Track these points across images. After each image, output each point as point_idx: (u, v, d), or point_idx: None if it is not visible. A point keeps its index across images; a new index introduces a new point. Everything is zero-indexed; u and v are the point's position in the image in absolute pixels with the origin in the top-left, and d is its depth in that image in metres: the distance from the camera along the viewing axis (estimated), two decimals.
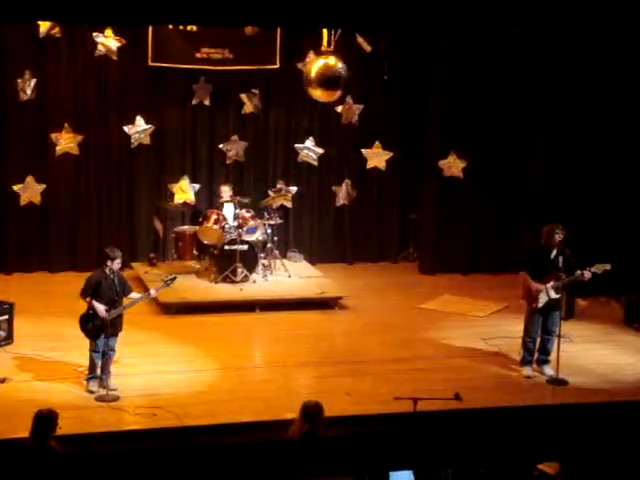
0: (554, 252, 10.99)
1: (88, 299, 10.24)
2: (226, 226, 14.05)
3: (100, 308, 10.17)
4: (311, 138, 15.33)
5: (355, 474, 8.01)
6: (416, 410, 8.25)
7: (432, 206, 15.41)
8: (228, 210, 14.29)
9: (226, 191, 14.45)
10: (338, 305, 13.57)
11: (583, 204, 14.48)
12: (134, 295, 10.60)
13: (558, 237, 10.97)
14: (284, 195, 15.27)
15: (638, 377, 11.21)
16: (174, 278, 10.90)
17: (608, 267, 10.97)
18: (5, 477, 7.59)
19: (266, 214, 14.44)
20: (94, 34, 14.18)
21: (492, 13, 11.62)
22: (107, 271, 10.29)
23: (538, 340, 11.22)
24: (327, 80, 12.89)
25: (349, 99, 15.16)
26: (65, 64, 14.25)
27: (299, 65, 14.68)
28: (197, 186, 15.10)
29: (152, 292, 10.78)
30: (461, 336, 12.40)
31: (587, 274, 10.92)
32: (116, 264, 10.30)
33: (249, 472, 8.21)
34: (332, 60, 12.95)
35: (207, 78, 14.81)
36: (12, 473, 7.56)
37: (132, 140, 14.70)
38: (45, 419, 7.72)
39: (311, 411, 7.97)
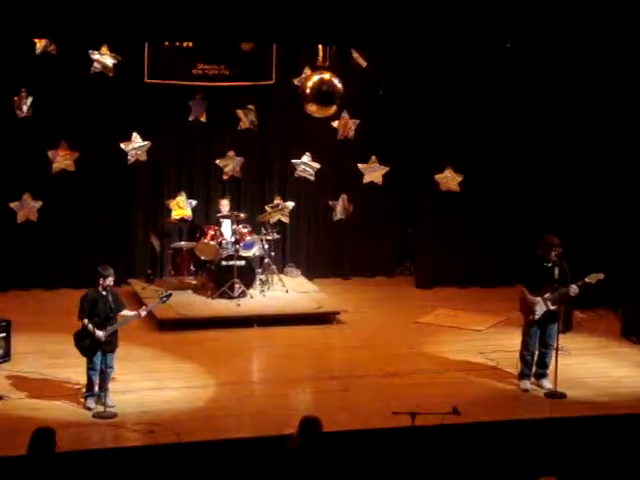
0: (551, 264, 10.99)
1: (85, 322, 10.19)
2: (223, 242, 14.06)
3: (98, 333, 10.12)
4: (308, 153, 15.36)
5: None
6: (414, 425, 8.23)
7: (428, 220, 15.44)
8: (225, 226, 14.30)
9: (225, 205, 14.47)
10: (335, 320, 13.57)
11: (579, 217, 14.51)
12: (127, 313, 10.53)
13: (553, 250, 10.96)
14: (281, 210, 15.30)
15: (636, 390, 11.18)
16: (169, 295, 10.89)
17: (602, 276, 10.96)
18: None
19: (263, 229, 14.45)
20: (90, 51, 14.22)
21: (486, 28, 11.70)
22: (100, 289, 10.27)
23: (536, 353, 11.21)
24: (323, 96, 12.92)
25: (345, 114, 15.20)
26: (61, 81, 14.27)
27: (295, 81, 14.72)
28: (194, 202, 15.11)
29: (142, 312, 10.56)
30: (459, 350, 12.40)
31: (573, 288, 10.90)
32: (108, 281, 10.25)
33: None
34: (328, 76, 12.99)
35: (203, 94, 14.85)
36: None
37: (129, 156, 14.72)
38: (43, 436, 7.69)
39: (310, 426, 7.96)
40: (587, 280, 10.95)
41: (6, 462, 8.30)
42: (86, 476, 8.28)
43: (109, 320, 10.18)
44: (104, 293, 10.24)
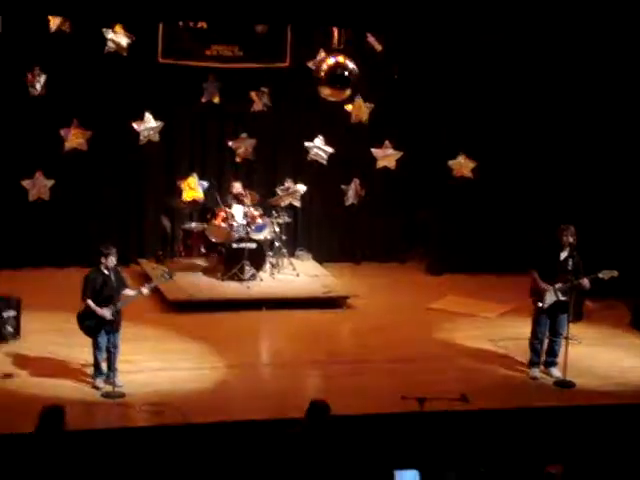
0: (565, 254, 10.96)
1: (89, 302, 10.20)
2: (234, 224, 14.04)
3: (100, 312, 10.13)
4: (320, 137, 15.31)
5: (361, 473, 8.01)
6: (422, 410, 8.22)
7: (441, 206, 15.40)
8: (237, 208, 14.28)
9: (238, 187, 14.44)
10: (345, 304, 13.55)
11: (592, 206, 14.44)
12: (128, 291, 10.53)
13: (566, 239, 10.94)
14: (292, 194, 15.26)
15: None
16: (170, 274, 10.90)
17: (615, 274, 10.95)
18: (11, 470, 7.60)
19: (274, 212, 14.43)
20: (104, 30, 14.18)
21: (503, 12, 11.61)
22: (102, 268, 10.26)
23: (545, 342, 11.18)
24: (337, 79, 12.85)
25: (359, 98, 15.14)
26: (75, 60, 14.23)
27: (309, 63, 14.66)
28: (206, 183, 15.08)
29: (144, 290, 10.56)
30: (469, 337, 12.38)
31: (585, 282, 10.88)
32: (111, 260, 10.25)
33: (254, 469, 8.21)
34: (342, 59, 12.92)
35: (217, 76, 14.81)
36: (18, 466, 7.57)
37: (141, 137, 14.70)
38: (52, 414, 7.71)
39: (318, 410, 7.96)
40: (600, 276, 10.93)
41: (15, 439, 8.32)
42: (93, 455, 8.29)
43: (112, 299, 10.18)
44: (107, 272, 10.24)
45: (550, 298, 10.95)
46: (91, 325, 10.25)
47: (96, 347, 10.30)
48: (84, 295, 10.23)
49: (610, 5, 11.67)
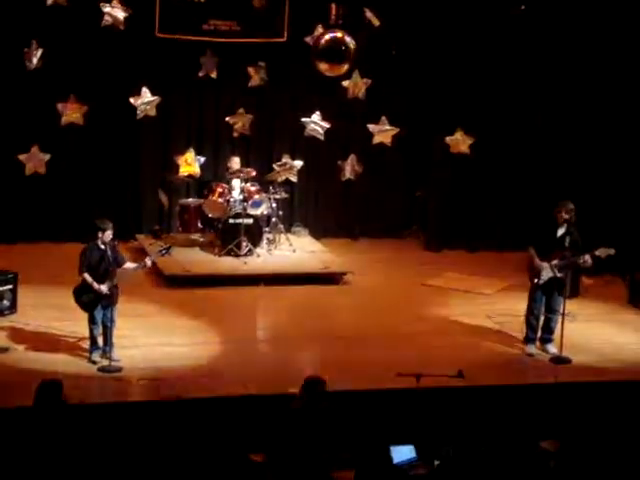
0: (562, 230, 10.95)
1: (86, 276, 10.20)
2: (231, 200, 14.02)
3: (96, 286, 10.13)
4: (318, 112, 15.27)
5: (357, 448, 8.02)
6: (419, 386, 8.23)
7: (438, 183, 15.38)
8: (234, 183, 14.25)
9: (236, 163, 14.41)
10: (342, 280, 13.55)
11: (590, 182, 14.43)
12: (129, 265, 10.55)
13: (561, 215, 10.93)
14: (289, 169, 15.24)
15: None
16: (169, 248, 10.89)
17: (612, 252, 10.93)
18: (8, 444, 7.62)
19: (271, 188, 14.40)
20: (101, 4, 14.11)
21: None
22: (99, 243, 10.25)
23: (541, 318, 11.19)
24: (334, 54, 12.82)
25: (356, 74, 15.08)
26: (72, 34, 14.16)
27: (307, 38, 14.59)
28: (202, 159, 15.05)
29: (147, 262, 10.61)
30: (465, 313, 12.39)
31: (587, 259, 10.86)
32: (107, 235, 10.24)
33: (249, 444, 8.22)
34: (340, 34, 12.88)
35: (214, 50, 14.74)
36: (16, 440, 7.59)
37: (138, 111, 14.65)
38: (50, 388, 7.72)
39: (314, 386, 7.97)
40: (597, 253, 10.92)
41: (11, 413, 8.33)
42: (90, 429, 8.30)
43: (108, 274, 10.18)
44: (103, 247, 10.23)
45: (546, 274, 10.95)
46: (87, 300, 10.25)
47: (92, 321, 10.31)
48: (80, 270, 10.23)
49: None
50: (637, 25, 13.71)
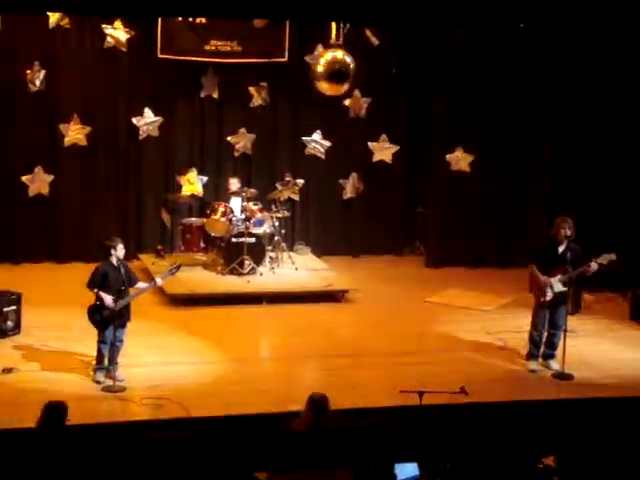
0: (562, 246, 11.00)
1: (95, 290, 10.26)
2: (233, 218, 14.08)
3: (107, 299, 10.18)
4: (319, 131, 15.36)
5: (360, 466, 8.04)
6: (422, 403, 8.26)
7: (439, 200, 15.44)
8: (235, 203, 14.32)
9: (234, 183, 14.48)
10: (344, 298, 13.60)
11: (590, 199, 14.47)
12: (141, 285, 10.62)
13: (564, 232, 10.97)
14: (291, 188, 15.31)
15: None
16: (179, 266, 10.93)
17: (613, 257, 10.94)
18: (12, 465, 7.64)
19: (273, 207, 14.46)
20: (103, 25, 14.22)
21: (500, 7, 11.62)
22: (114, 261, 10.30)
23: (545, 334, 11.22)
24: (335, 74, 12.89)
25: (357, 92, 15.18)
26: (74, 55, 14.28)
27: (307, 58, 14.69)
28: (205, 178, 15.14)
29: (158, 281, 10.72)
30: (467, 330, 12.42)
31: (593, 265, 10.89)
32: (120, 251, 10.28)
33: (254, 463, 8.24)
34: (340, 54, 12.95)
35: (215, 71, 14.84)
36: (20, 462, 7.61)
37: (140, 132, 14.74)
38: (55, 411, 7.74)
39: (317, 403, 7.99)
40: (599, 261, 10.94)
41: (15, 434, 8.36)
42: (93, 449, 8.33)
43: (120, 294, 10.23)
44: (117, 265, 10.28)
45: (551, 291, 10.98)
46: (100, 319, 10.26)
47: (102, 340, 10.32)
48: (90, 284, 10.27)
49: (609, 2, 11.68)
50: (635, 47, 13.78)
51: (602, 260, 10.95)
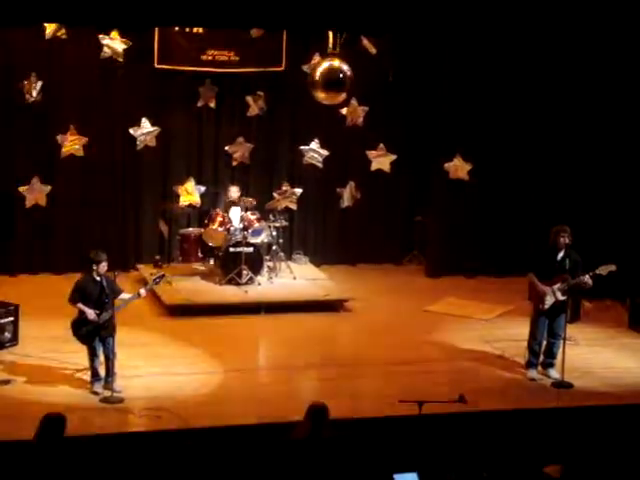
0: (561, 254, 10.99)
1: (78, 305, 10.23)
2: (231, 228, 14.07)
3: (89, 312, 10.16)
4: (316, 140, 15.35)
5: (360, 476, 8.02)
6: (421, 413, 8.24)
7: (438, 208, 15.42)
8: (234, 212, 14.30)
9: (234, 191, 14.47)
10: (343, 307, 13.57)
11: (589, 207, 14.46)
12: (124, 296, 10.55)
13: (563, 240, 10.97)
14: (289, 197, 15.29)
15: None
16: (162, 276, 10.92)
17: (613, 268, 10.95)
18: (11, 477, 7.61)
19: (271, 216, 14.44)
20: (100, 36, 14.21)
21: (497, 14, 11.63)
22: (94, 275, 10.26)
23: (544, 343, 11.21)
24: (332, 82, 12.90)
25: (354, 101, 15.17)
26: (71, 66, 14.27)
27: (304, 67, 14.69)
28: (202, 188, 15.11)
29: (142, 292, 10.62)
30: (466, 339, 12.40)
31: (588, 281, 10.90)
32: (102, 267, 10.24)
33: (253, 473, 8.22)
34: (337, 62, 12.96)
35: (213, 80, 14.84)
36: (18, 473, 7.58)
37: (137, 142, 14.72)
38: (53, 422, 7.71)
39: (317, 413, 7.97)
40: (598, 272, 10.93)
41: (13, 446, 8.32)
42: (92, 461, 8.30)
43: (104, 305, 10.19)
44: (98, 279, 10.24)
45: (550, 299, 10.97)
46: (85, 332, 10.26)
47: (92, 353, 10.31)
48: (71, 300, 10.27)
49: (609, 5, 11.68)
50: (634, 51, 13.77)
51: (601, 271, 10.94)
